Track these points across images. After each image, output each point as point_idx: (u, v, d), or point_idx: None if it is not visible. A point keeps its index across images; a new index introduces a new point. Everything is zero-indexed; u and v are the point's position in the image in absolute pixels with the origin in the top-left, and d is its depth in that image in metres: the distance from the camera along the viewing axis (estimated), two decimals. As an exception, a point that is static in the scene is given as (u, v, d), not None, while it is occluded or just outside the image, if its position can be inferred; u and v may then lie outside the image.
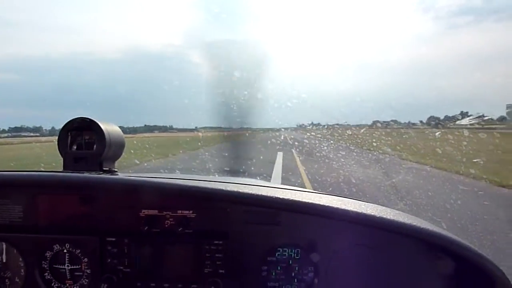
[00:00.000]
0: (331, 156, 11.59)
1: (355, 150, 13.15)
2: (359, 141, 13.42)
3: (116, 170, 1.25)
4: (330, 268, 1.13)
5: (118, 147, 1.25)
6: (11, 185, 1.17)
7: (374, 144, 12.64)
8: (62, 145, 1.19)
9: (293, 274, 1.15)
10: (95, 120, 1.18)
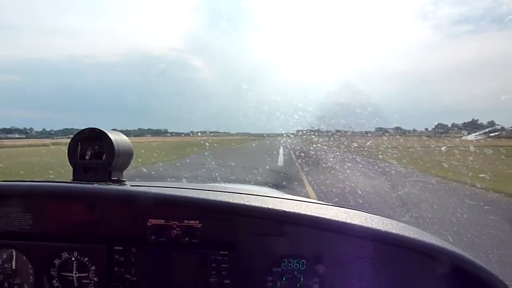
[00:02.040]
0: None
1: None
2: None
3: (124, 180, 1.26)
4: (335, 280, 1.13)
5: (126, 157, 1.27)
6: (22, 195, 1.19)
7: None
8: (72, 155, 1.21)
9: (298, 285, 1.15)
10: (104, 130, 1.20)
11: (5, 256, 1.19)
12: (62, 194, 1.16)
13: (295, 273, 1.15)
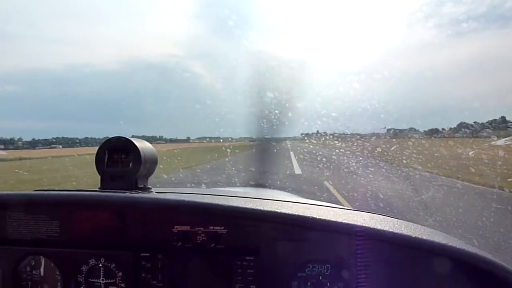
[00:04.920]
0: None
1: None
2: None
3: (150, 187, 1.29)
4: (359, 285, 1.13)
5: (152, 164, 1.29)
6: (53, 204, 1.22)
7: None
8: (100, 164, 1.23)
9: None
10: (131, 138, 1.22)
11: (33, 263, 1.21)
12: (92, 203, 1.19)
13: (320, 278, 1.15)
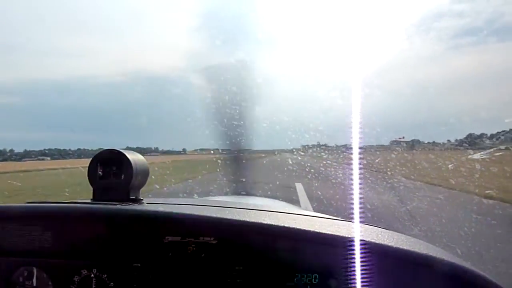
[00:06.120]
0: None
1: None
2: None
3: (141, 198, 1.31)
4: None
5: (143, 176, 1.32)
6: (45, 216, 1.24)
7: None
8: (92, 176, 1.26)
9: None
10: (122, 150, 1.25)
11: (26, 274, 1.22)
12: (85, 215, 1.21)
13: (308, 287, 1.17)
